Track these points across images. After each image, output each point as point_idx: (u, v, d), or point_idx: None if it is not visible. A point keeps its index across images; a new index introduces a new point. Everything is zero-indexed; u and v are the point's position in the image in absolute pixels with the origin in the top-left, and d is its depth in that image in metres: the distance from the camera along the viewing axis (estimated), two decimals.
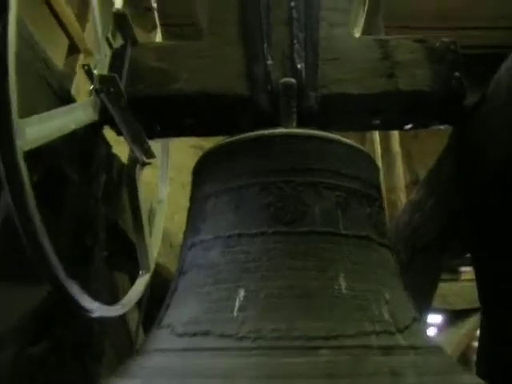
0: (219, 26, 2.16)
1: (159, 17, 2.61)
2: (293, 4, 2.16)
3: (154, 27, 2.61)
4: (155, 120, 2.14)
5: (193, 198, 1.82)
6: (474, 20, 4.78)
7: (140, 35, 2.39)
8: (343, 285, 1.44)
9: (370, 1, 2.42)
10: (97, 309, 1.50)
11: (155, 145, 3.26)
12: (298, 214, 1.55)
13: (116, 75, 1.86)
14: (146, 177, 3.82)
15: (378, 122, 2.16)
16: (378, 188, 1.83)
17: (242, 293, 1.41)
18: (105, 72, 1.93)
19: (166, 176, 2.88)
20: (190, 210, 1.82)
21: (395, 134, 4.36)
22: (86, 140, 1.95)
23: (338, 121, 2.09)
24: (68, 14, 3.56)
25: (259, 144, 1.68)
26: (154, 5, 2.60)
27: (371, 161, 1.85)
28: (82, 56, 3.76)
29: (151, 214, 2.85)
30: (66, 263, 1.33)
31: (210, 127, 2.16)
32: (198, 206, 1.74)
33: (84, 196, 1.94)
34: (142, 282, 2.35)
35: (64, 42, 3.75)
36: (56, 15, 3.42)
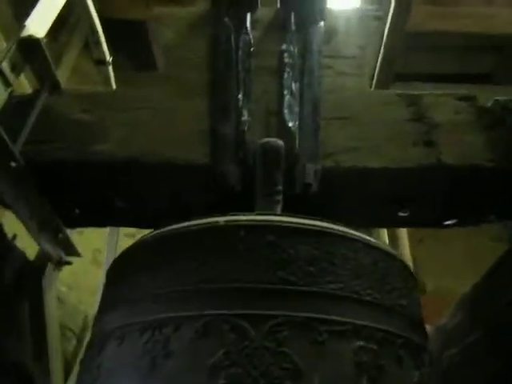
0: (178, 70, 1.45)
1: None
2: (284, 47, 1.47)
3: (107, 81, 1.91)
4: (71, 199, 1.35)
5: (89, 340, 0.97)
6: None
7: None
8: None
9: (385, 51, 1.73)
10: None
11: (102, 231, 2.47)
12: None
13: None
14: (88, 277, 2.96)
15: (405, 213, 1.36)
16: (422, 325, 0.99)
17: None
18: None
19: None
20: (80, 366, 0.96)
21: (403, 235, 3.52)
22: None
23: (346, 210, 1.29)
24: None
25: (206, 241, 0.86)
26: (109, 58, 1.92)
27: (409, 275, 1.02)
28: None
29: (84, 332, 1.96)
30: None
31: (152, 214, 1.35)
32: (89, 356, 0.89)
33: None
34: None
35: None
36: None
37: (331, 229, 0.88)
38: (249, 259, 0.82)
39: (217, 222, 0.87)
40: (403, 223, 1.41)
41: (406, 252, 3.40)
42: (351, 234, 0.90)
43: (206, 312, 0.76)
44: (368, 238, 0.94)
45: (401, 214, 1.33)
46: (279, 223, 0.86)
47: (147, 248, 0.93)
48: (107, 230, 2.53)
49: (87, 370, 0.84)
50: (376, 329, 0.81)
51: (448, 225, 1.44)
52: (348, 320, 0.78)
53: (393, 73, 2.17)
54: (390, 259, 0.96)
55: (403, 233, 3.55)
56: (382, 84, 2.00)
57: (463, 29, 2.94)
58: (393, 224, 1.49)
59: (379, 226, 1.50)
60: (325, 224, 0.88)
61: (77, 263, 1.89)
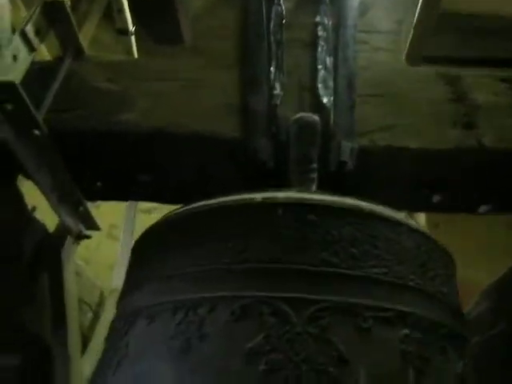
0: (205, 41, 1.38)
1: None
2: (318, 19, 1.39)
3: (129, 52, 1.85)
4: (93, 170, 1.30)
5: (114, 318, 0.93)
6: None
7: None
8: None
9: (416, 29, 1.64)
10: None
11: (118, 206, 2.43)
12: (321, 380, 0.65)
13: (17, 83, 1.03)
14: (103, 252, 2.92)
15: (438, 197, 1.30)
16: (462, 315, 0.94)
17: None
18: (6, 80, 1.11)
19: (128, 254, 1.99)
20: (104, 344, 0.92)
21: (421, 220, 3.43)
22: None
23: (381, 191, 1.23)
24: None
25: (241, 218, 0.80)
26: (132, 28, 1.85)
27: (449, 261, 0.97)
28: None
29: (100, 307, 1.94)
30: None
31: (176, 188, 1.30)
32: (115, 336, 0.84)
33: None
34: None
35: None
36: None
37: (375, 210, 0.82)
38: (287, 239, 0.76)
39: (253, 198, 0.82)
40: (437, 208, 1.35)
41: None
42: (395, 217, 0.84)
43: (243, 293, 0.71)
44: (410, 220, 0.89)
45: (435, 197, 1.27)
46: (320, 202, 0.81)
47: (177, 224, 0.88)
48: (124, 205, 2.50)
49: (113, 349, 0.80)
50: (421, 316, 0.76)
51: (481, 211, 1.38)
52: (393, 306, 0.73)
53: (422, 52, 2.08)
54: (432, 244, 0.90)
55: (421, 217, 3.48)
56: (412, 63, 1.91)
57: (493, 11, 2.82)
58: (426, 208, 1.43)
59: (412, 209, 1.44)
60: (368, 205, 0.83)
61: (92, 238, 1.86)
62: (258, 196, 0.81)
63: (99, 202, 2.30)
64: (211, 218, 0.83)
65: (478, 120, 1.22)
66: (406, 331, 0.72)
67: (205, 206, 0.85)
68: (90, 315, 1.86)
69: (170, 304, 0.75)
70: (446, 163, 1.19)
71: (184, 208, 0.89)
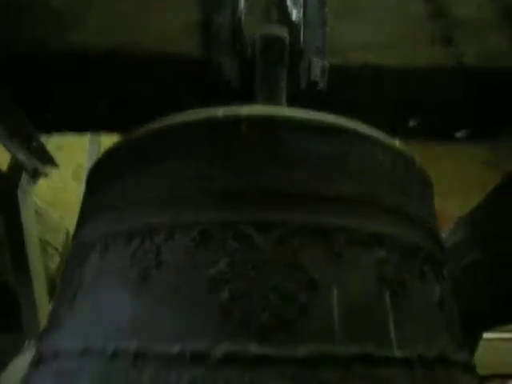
0: None
1: None
2: None
3: None
4: (42, 98, 1.17)
5: (68, 254, 0.86)
6: None
7: None
8: None
9: None
10: None
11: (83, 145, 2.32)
12: (290, 308, 0.59)
13: None
14: (69, 194, 2.82)
15: (415, 121, 1.23)
16: (441, 239, 0.89)
17: None
18: None
19: None
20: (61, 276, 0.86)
21: None
22: None
23: (353, 113, 1.15)
24: None
25: (201, 137, 0.71)
26: None
27: (426, 181, 0.90)
28: None
29: (66, 248, 1.86)
30: None
31: (134, 114, 1.19)
32: (69, 270, 0.77)
33: None
34: (24, 359, 1.37)
35: None
36: None
37: (346, 125, 0.74)
38: (251, 157, 0.68)
39: (213, 114, 0.72)
40: (413, 133, 1.28)
41: None
42: (370, 133, 0.77)
43: (203, 218, 0.64)
44: (386, 137, 0.82)
45: (412, 121, 1.20)
46: (286, 117, 0.72)
47: (132, 148, 0.78)
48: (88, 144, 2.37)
49: (67, 283, 0.73)
50: (398, 239, 0.70)
51: (457, 137, 1.32)
52: (368, 227, 0.67)
53: None
54: (410, 163, 0.83)
55: None
56: None
57: None
58: (401, 133, 1.36)
59: (387, 134, 1.37)
60: (339, 118, 0.75)
61: (57, 179, 1.74)
62: (220, 111, 0.72)
63: (63, 142, 2.16)
64: (168, 138, 0.73)
65: (458, 36, 1.13)
66: (383, 254, 0.66)
67: (160, 125, 0.75)
68: (56, 258, 1.78)
69: (125, 232, 0.67)
70: (424, 82, 1.11)
71: (139, 129, 0.80)
